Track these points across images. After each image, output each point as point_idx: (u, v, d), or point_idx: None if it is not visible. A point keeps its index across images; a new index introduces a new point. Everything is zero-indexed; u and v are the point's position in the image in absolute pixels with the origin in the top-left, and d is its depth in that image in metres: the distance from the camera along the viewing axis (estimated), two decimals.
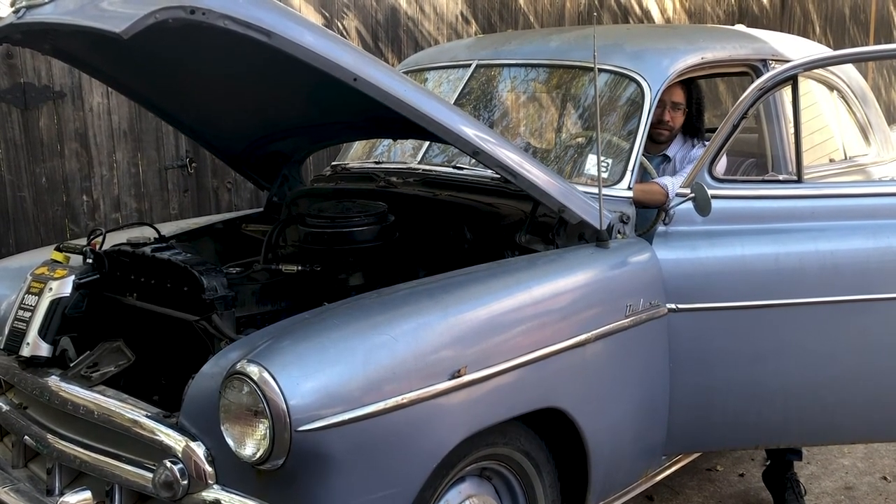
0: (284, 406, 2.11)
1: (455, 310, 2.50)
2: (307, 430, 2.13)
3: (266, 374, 2.13)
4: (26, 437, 2.77)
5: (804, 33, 10.92)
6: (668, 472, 3.31)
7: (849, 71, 4.14)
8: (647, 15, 8.81)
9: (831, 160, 3.97)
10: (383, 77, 2.54)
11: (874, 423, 3.29)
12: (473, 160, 2.90)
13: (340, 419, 2.17)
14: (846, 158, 4.03)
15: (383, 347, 2.30)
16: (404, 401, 2.28)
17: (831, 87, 4.06)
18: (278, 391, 2.12)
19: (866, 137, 4.20)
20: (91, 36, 2.40)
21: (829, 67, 3.94)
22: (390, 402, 2.25)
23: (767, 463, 3.87)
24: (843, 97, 4.11)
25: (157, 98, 3.39)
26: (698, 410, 3.14)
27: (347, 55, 2.47)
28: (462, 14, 6.88)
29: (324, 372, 2.20)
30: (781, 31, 9.74)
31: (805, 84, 3.93)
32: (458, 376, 2.39)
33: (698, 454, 3.57)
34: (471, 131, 2.73)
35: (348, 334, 2.30)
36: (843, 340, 3.13)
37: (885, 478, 3.99)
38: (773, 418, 3.20)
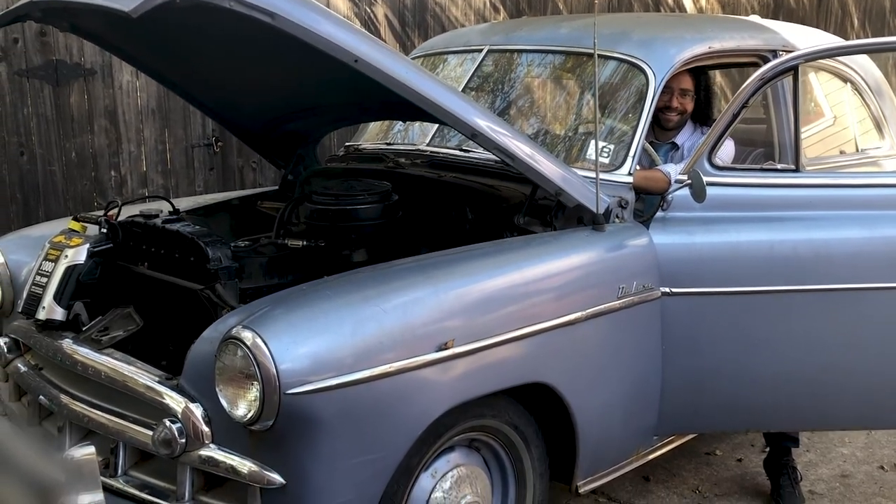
0: (274, 370, 2.23)
1: (446, 286, 2.60)
2: (296, 394, 2.24)
3: (258, 340, 2.25)
4: (41, 396, 2.91)
5: (841, 27, 10.79)
6: (660, 451, 3.37)
7: (864, 63, 4.14)
8: (678, 5, 8.79)
9: (842, 152, 3.99)
10: (384, 59, 2.63)
11: (864, 410, 3.33)
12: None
13: (328, 384, 2.28)
14: (858, 151, 4.04)
15: (372, 319, 2.40)
16: (391, 369, 2.38)
17: (845, 80, 4.07)
18: (269, 356, 2.23)
19: (880, 130, 4.19)
20: (107, 15, 2.49)
21: (844, 59, 3.95)
22: (377, 371, 2.35)
23: (766, 449, 3.92)
24: (856, 89, 4.11)
25: (175, 76, 3.50)
26: (690, 393, 3.20)
27: (350, 37, 2.55)
28: (490, 1, 6.94)
29: (313, 339, 2.31)
30: (818, 25, 9.65)
31: (821, 76, 3.96)
32: (445, 349, 2.49)
33: (692, 435, 3.62)
34: (470, 114, 2.81)
35: (339, 305, 2.40)
36: (834, 328, 3.17)
37: (882, 467, 4.01)
38: (764, 403, 3.26)
